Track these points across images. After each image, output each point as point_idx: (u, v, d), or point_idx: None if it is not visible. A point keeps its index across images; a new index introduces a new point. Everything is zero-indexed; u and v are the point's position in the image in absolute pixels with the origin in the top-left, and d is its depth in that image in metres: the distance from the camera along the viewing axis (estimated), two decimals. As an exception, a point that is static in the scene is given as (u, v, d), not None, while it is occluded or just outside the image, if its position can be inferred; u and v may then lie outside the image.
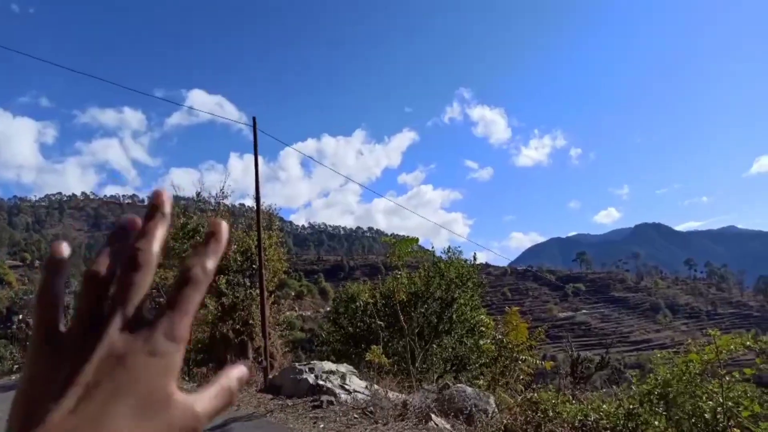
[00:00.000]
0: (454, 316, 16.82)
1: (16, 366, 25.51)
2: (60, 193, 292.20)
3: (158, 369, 0.37)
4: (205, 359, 19.63)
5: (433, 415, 7.79)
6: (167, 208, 0.42)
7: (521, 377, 11.82)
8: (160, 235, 0.41)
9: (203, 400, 0.40)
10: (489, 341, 13.07)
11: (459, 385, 9.53)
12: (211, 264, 0.41)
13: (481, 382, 12.13)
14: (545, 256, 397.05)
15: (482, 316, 16.40)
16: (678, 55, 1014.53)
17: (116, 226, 0.43)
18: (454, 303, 16.67)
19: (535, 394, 8.06)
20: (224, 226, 0.43)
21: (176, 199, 20.04)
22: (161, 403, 0.37)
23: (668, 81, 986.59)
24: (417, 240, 12.29)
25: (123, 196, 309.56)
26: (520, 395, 9.39)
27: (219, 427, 8.43)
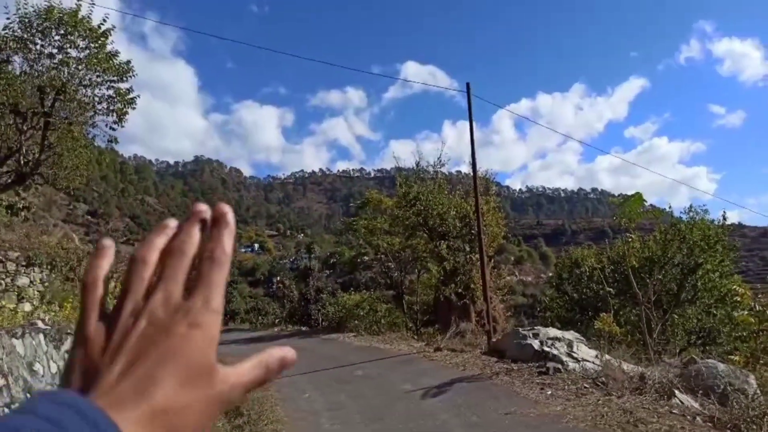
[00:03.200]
0: (698, 284, 15.08)
1: (277, 320, 30.40)
2: (302, 171, 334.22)
3: (199, 340, 0.40)
4: (431, 320, 20.83)
5: (676, 392, 7.03)
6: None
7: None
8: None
9: (239, 372, 0.42)
10: (746, 312, 11.22)
11: (708, 360, 8.42)
12: (228, 245, 0.44)
13: (737, 358, 10.54)
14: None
15: (735, 286, 14.23)
16: None
17: (162, 226, 0.46)
18: (698, 269, 14.90)
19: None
20: (227, 208, 0.45)
21: (397, 170, 21.33)
22: (203, 372, 0.39)
23: None
24: (643, 198, 10.98)
25: (352, 170, 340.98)
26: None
27: (446, 384, 8.86)
